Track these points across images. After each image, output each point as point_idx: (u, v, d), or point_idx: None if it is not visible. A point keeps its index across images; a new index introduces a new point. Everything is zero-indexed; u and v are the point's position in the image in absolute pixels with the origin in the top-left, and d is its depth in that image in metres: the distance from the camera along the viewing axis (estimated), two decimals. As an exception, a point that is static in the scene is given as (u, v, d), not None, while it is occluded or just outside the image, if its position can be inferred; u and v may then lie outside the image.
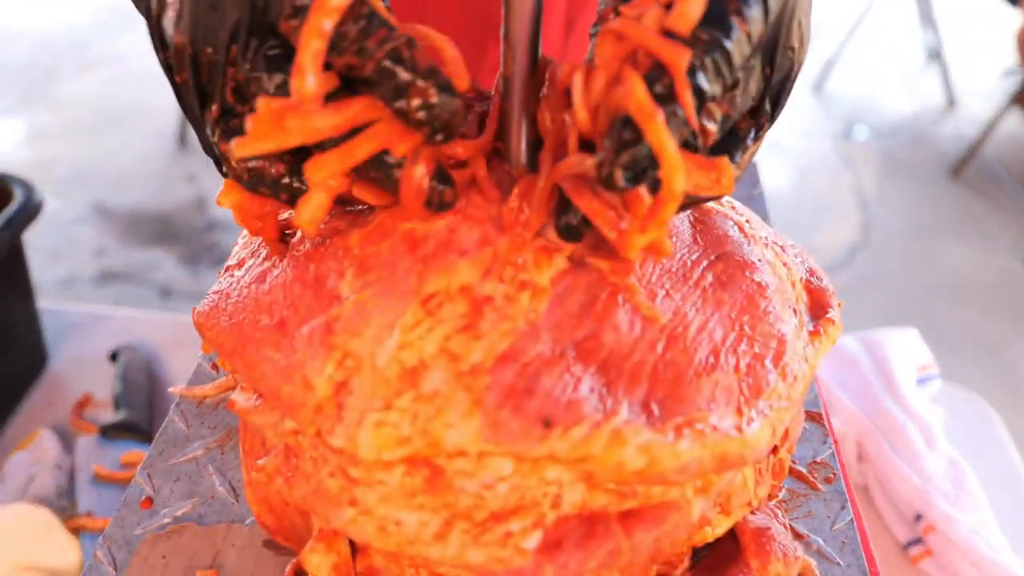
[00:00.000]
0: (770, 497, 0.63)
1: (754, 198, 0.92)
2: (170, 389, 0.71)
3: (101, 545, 0.60)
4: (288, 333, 0.50)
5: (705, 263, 0.53)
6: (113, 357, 1.26)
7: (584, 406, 0.45)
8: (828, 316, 0.55)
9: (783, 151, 3.84)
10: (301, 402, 0.48)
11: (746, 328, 0.51)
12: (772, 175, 3.69)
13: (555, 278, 0.49)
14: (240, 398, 0.55)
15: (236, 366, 0.52)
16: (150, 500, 0.63)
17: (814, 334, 0.54)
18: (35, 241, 3.06)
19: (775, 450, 0.58)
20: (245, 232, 0.60)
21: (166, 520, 0.61)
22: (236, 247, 0.59)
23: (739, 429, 0.47)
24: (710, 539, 0.56)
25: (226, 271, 0.56)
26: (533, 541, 0.46)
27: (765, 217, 0.89)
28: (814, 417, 0.70)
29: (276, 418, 0.52)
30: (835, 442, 0.69)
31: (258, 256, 0.55)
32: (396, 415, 0.45)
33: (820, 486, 0.64)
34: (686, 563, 0.57)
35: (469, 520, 0.46)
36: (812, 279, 0.58)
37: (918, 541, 1.04)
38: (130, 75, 4.17)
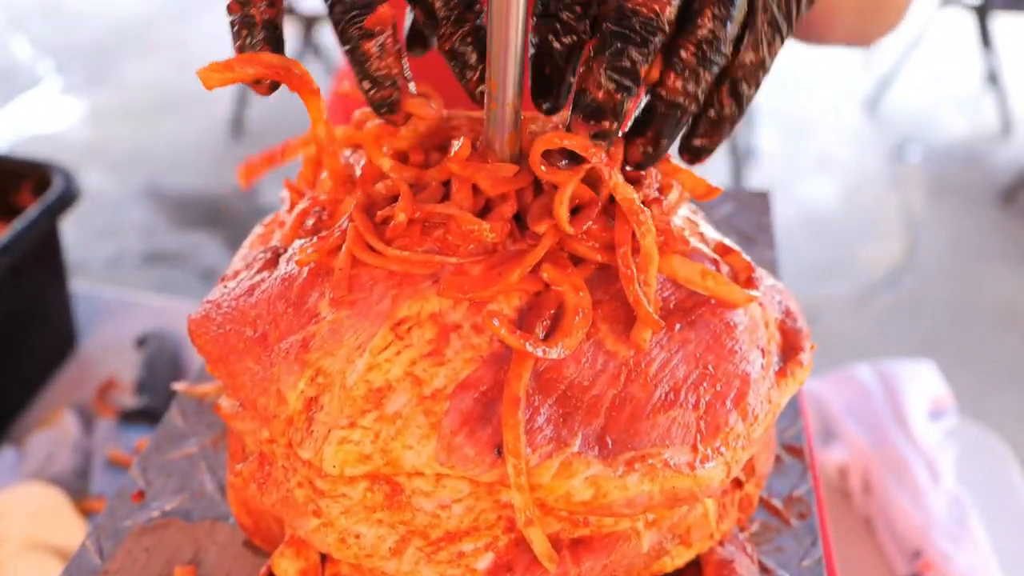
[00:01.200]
0: (741, 530, 0.64)
1: (763, 228, 0.93)
2: (173, 385, 0.74)
3: (91, 534, 0.62)
4: (268, 347, 0.52)
5: (675, 301, 0.54)
6: (141, 343, 1.30)
7: (537, 436, 0.46)
8: (797, 358, 0.56)
9: (833, 168, 3.81)
10: (274, 414, 0.50)
11: (709, 367, 0.52)
12: (820, 191, 3.66)
13: (522, 308, 0.50)
14: (225, 403, 0.58)
15: (220, 374, 0.55)
16: (142, 493, 0.65)
17: (780, 375, 0.55)
18: (86, 219, 3.13)
19: (740, 485, 0.59)
20: (245, 244, 0.63)
21: (155, 513, 0.64)
22: (235, 259, 0.61)
23: (692, 467, 0.48)
24: (670, 569, 0.57)
25: (221, 281, 0.59)
26: (485, 562, 0.48)
27: (770, 247, 0.89)
28: (795, 452, 0.70)
29: (255, 426, 0.55)
30: (815, 478, 0.70)
31: (251, 269, 0.58)
32: (359, 433, 0.47)
33: (793, 522, 0.65)
34: (648, 590, 0.59)
35: (424, 538, 0.48)
36: (787, 320, 0.59)
37: (916, 576, 1.04)
38: (190, 61, 4.25)
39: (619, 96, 0.47)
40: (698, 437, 0.49)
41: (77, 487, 1.07)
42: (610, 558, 0.49)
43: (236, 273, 0.59)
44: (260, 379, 0.52)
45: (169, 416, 0.72)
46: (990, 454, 1.25)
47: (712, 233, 0.62)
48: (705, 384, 0.51)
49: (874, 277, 3.23)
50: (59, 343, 1.28)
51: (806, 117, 4.09)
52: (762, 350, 0.55)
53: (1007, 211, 3.58)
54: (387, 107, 0.52)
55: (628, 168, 0.52)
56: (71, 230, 2.99)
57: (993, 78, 4.00)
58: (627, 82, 0.47)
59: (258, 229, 0.62)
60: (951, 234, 3.47)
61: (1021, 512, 1.16)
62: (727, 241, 0.61)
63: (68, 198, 1.18)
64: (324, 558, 0.57)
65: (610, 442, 0.48)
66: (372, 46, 0.51)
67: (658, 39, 0.47)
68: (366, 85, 0.52)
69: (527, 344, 0.47)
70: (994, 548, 1.07)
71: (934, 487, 1.09)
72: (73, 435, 1.12)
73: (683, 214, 0.61)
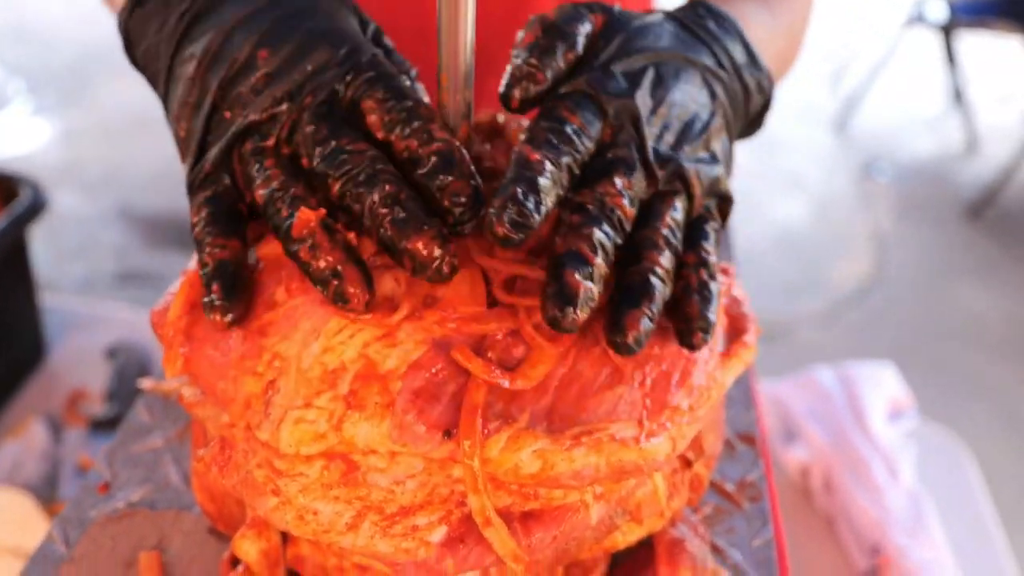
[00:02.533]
0: (696, 512, 0.66)
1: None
2: (139, 383, 0.75)
3: (57, 525, 0.63)
4: (227, 334, 0.54)
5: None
6: (111, 354, 1.30)
7: (487, 412, 0.48)
8: (743, 339, 0.59)
9: (801, 187, 3.86)
10: (232, 398, 0.52)
11: (655, 348, 0.54)
12: (789, 210, 3.71)
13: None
14: (187, 392, 0.59)
15: (181, 362, 0.56)
16: (107, 485, 0.66)
17: (726, 356, 0.57)
18: (58, 239, 3.13)
19: (689, 464, 0.61)
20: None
21: (120, 504, 0.65)
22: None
23: (637, 440, 0.50)
24: (622, 546, 0.59)
25: (183, 274, 0.60)
26: (438, 535, 0.50)
27: (726, 248, 0.92)
28: (748, 440, 0.73)
29: (215, 411, 0.56)
30: (767, 464, 0.72)
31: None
32: (314, 413, 0.49)
33: (745, 505, 0.67)
34: (603, 568, 0.61)
35: (380, 513, 0.50)
36: (733, 306, 0.61)
37: (874, 572, 1.06)
38: (162, 82, 4.24)
39: (596, 257, 0.49)
40: (644, 413, 0.51)
41: (46, 495, 1.07)
42: (559, 529, 0.51)
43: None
44: (219, 365, 0.53)
45: (135, 412, 0.73)
46: (949, 454, 1.28)
47: None
48: (651, 363, 0.53)
49: (843, 293, 3.27)
50: (28, 354, 1.29)
51: (775, 136, 4.14)
52: (708, 333, 0.57)
53: (973, 228, 3.64)
54: (340, 300, 0.49)
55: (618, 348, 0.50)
56: (44, 249, 2.99)
57: (958, 96, 4.07)
58: (601, 256, 0.49)
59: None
60: (919, 250, 3.53)
61: (978, 510, 1.19)
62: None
63: (35, 209, 1.19)
64: (285, 539, 0.58)
65: (558, 418, 0.50)
66: (304, 250, 0.50)
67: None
68: (317, 287, 0.50)
69: (489, 375, 0.49)
70: (951, 544, 1.10)
71: (892, 485, 1.11)
72: (41, 444, 1.12)
73: None
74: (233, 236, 0.53)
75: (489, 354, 0.50)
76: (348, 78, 0.54)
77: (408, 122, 0.52)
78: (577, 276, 0.48)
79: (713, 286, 0.53)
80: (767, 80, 0.63)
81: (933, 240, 3.59)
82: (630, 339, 0.49)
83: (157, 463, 0.68)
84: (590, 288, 0.48)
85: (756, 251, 3.39)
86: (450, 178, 0.50)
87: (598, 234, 0.50)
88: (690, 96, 0.57)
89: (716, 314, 0.52)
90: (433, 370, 0.49)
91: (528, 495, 0.51)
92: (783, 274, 3.34)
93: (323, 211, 0.50)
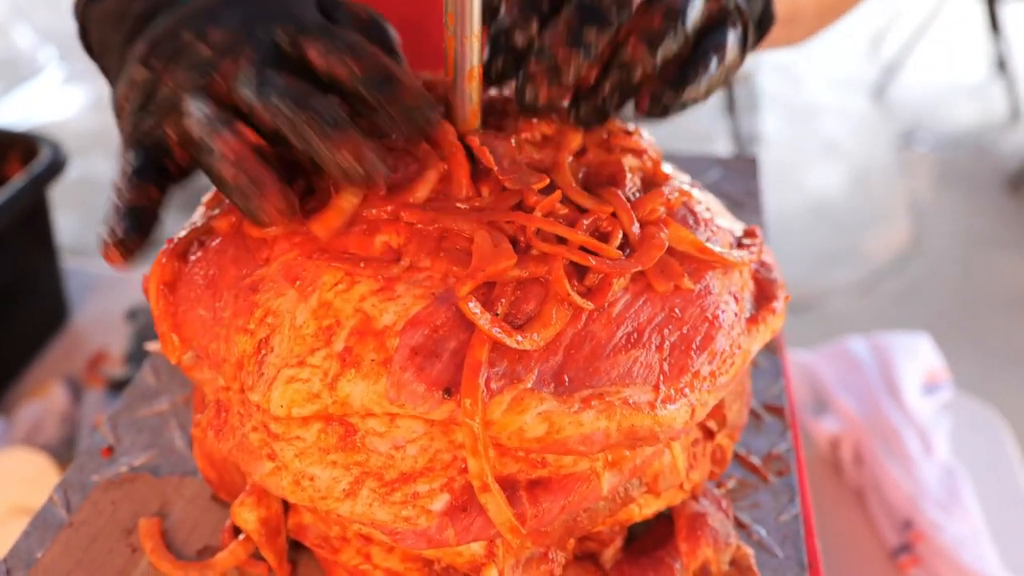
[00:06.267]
0: (719, 486, 0.63)
1: (751, 194, 0.91)
2: (145, 345, 0.73)
3: (58, 489, 0.62)
4: (218, 292, 0.51)
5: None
6: (131, 316, 1.29)
7: (491, 371, 0.45)
8: (770, 306, 0.55)
9: (839, 155, 3.78)
10: (225, 359, 0.50)
11: (676, 310, 0.51)
12: (826, 178, 3.64)
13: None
14: (186, 355, 0.57)
15: (171, 324, 0.54)
16: (110, 449, 0.65)
17: (752, 322, 0.54)
18: (90, 205, 3.14)
19: (711, 435, 0.58)
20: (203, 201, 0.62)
21: (123, 469, 0.63)
22: (196, 214, 0.60)
23: (652, 406, 0.47)
24: (638, 518, 0.56)
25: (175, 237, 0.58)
26: (440, 503, 0.47)
27: (757, 212, 0.88)
28: (776, 411, 0.69)
29: (212, 374, 0.54)
30: (795, 437, 0.69)
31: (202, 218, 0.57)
32: (308, 372, 0.46)
33: (771, 478, 0.64)
34: (619, 543, 0.58)
35: (379, 479, 0.47)
36: (761, 270, 0.58)
37: (906, 548, 1.03)
38: (194, 49, 4.22)
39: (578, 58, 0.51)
40: (661, 378, 0.48)
41: (64, 456, 1.06)
42: (568, 499, 0.48)
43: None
44: (210, 325, 0.51)
45: (141, 375, 0.71)
46: (985, 427, 1.23)
47: (709, 202, 0.60)
48: (671, 326, 0.50)
49: (879, 264, 3.21)
50: (50, 316, 1.27)
51: (811, 103, 4.06)
52: (734, 296, 0.54)
53: (1015, 198, 3.55)
54: (251, 214, 0.48)
55: (579, 123, 0.55)
56: (74, 215, 3.00)
57: (1002, 64, 3.96)
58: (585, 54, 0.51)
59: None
60: (958, 221, 3.45)
61: (1015, 484, 1.15)
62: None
63: (54, 168, 1.17)
64: (287, 507, 0.56)
65: (567, 379, 0.47)
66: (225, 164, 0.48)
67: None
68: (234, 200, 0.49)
69: (495, 331, 0.46)
70: (987, 519, 1.06)
71: (926, 458, 1.08)
72: (61, 405, 1.11)
73: (679, 183, 0.60)
74: (152, 185, 0.52)
75: (497, 308, 0.47)
76: (292, 31, 0.51)
77: (352, 50, 0.49)
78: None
79: (712, 64, 0.53)
80: None
81: (973, 211, 3.51)
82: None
83: (162, 427, 0.66)
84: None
85: (791, 220, 3.33)
86: (400, 90, 0.48)
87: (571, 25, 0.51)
88: None
89: (697, 92, 0.53)
90: (433, 325, 0.46)
91: (535, 462, 0.48)
92: (818, 243, 3.28)
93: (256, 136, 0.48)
